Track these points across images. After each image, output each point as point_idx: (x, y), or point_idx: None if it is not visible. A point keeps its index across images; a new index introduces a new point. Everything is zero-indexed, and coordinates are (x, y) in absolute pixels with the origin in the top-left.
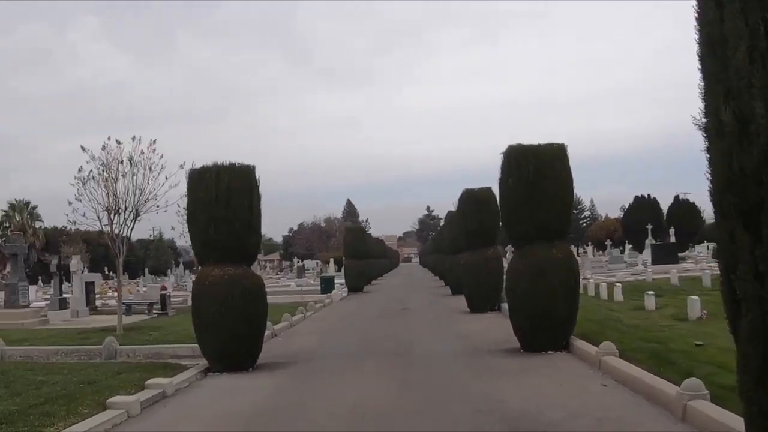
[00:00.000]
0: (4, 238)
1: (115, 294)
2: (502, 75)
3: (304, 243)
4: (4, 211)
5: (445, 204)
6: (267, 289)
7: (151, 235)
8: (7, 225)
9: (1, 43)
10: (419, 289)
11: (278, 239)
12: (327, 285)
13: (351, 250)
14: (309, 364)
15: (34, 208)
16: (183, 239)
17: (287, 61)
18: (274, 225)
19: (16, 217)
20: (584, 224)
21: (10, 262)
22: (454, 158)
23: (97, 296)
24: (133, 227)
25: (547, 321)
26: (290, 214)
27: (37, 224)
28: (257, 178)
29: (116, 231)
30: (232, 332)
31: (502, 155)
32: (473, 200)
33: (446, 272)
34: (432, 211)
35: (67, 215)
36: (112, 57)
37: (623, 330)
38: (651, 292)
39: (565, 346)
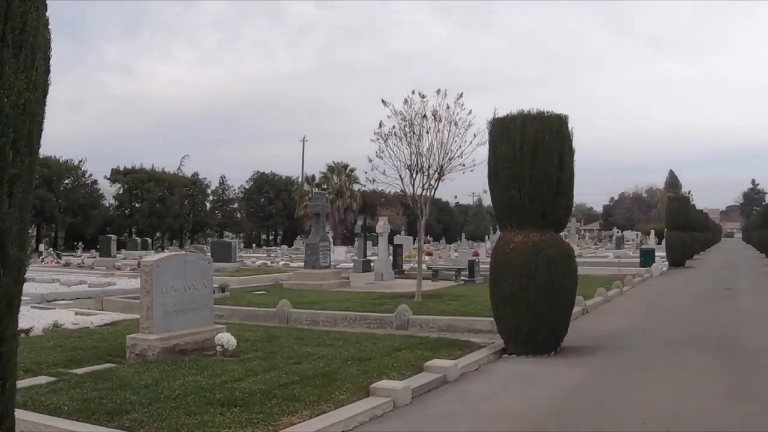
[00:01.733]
0: None
1: (426, 258)
2: None
3: (624, 213)
4: (323, 173)
5: None
6: (583, 260)
7: (472, 200)
8: (325, 187)
9: (329, 17)
10: (744, 268)
11: (598, 209)
12: (646, 258)
13: (673, 221)
14: (619, 352)
15: (352, 170)
16: None
17: (608, 29)
18: (595, 194)
19: (334, 179)
20: None
21: (312, 221)
22: None
23: (405, 260)
24: (437, 187)
25: None
26: (611, 184)
27: (355, 186)
28: (570, 130)
29: (418, 191)
30: (532, 309)
31: None
32: None
33: None
34: (757, 184)
35: (365, 173)
36: (431, 25)
37: None
38: None
39: None
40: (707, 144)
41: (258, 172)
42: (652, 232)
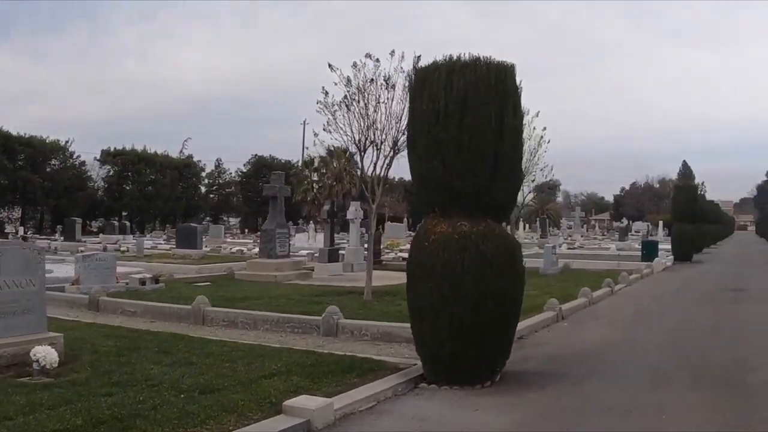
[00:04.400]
0: (320, 184)
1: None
2: None
3: (635, 203)
4: (322, 156)
5: None
6: (583, 251)
7: None
8: (324, 171)
9: (348, 4)
10: (757, 264)
11: (610, 198)
12: (648, 251)
13: (680, 212)
14: (581, 384)
15: (353, 154)
16: None
17: (632, 18)
18: (607, 183)
19: (333, 163)
20: None
21: (269, 205)
22: None
23: (386, 249)
24: (390, 166)
25: None
26: (624, 174)
27: (358, 171)
28: (518, 84)
29: (369, 170)
30: (458, 325)
31: None
32: None
33: None
34: None
35: (307, 148)
36: (450, 13)
37: None
38: None
39: None
40: (724, 135)
41: (256, 155)
42: (661, 223)
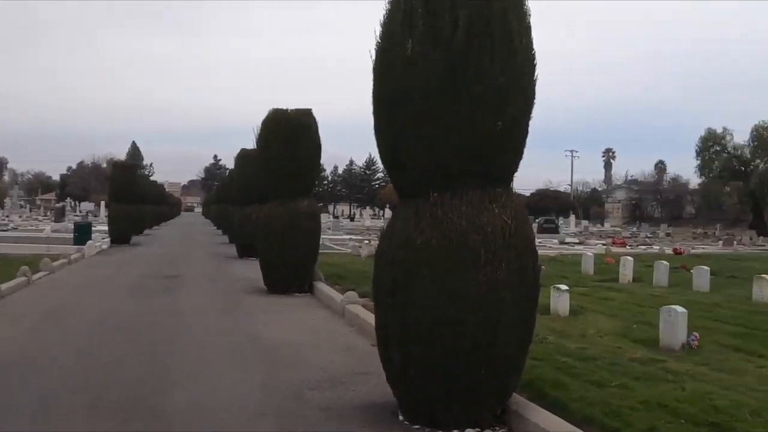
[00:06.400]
0: None
1: None
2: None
3: (81, 183)
4: None
5: (234, 153)
6: (18, 234)
7: None
8: None
9: None
10: (199, 246)
11: (58, 178)
12: (81, 233)
13: (118, 191)
14: None
15: None
16: None
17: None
18: (52, 161)
19: None
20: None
21: None
22: (248, 112)
23: None
24: None
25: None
26: (73, 154)
27: None
28: None
29: None
30: None
31: None
32: (285, 126)
33: (234, 228)
34: (219, 159)
35: None
36: None
37: None
38: None
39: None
40: (179, 120)
41: None
42: (102, 203)
